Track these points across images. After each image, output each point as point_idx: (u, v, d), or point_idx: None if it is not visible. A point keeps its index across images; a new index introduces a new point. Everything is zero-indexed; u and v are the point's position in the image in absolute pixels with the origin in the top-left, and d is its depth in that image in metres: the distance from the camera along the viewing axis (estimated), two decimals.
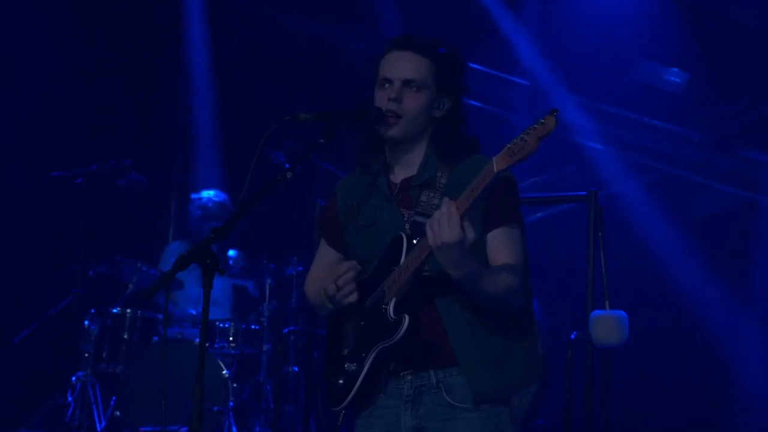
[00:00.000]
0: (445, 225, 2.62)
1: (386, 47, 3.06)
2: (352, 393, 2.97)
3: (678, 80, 7.40)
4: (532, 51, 7.71)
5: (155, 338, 6.38)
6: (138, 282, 6.47)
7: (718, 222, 7.33)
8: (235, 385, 6.20)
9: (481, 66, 7.96)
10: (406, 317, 2.80)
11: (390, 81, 2.99)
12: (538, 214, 7.76)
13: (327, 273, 3.02)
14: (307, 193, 6.53)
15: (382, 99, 2.99)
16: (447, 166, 2.96)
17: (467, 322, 2.87)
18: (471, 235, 2.64)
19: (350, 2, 8.09)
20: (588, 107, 7.62)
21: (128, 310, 6.40)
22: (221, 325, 6.44)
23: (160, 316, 6.49)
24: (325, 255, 3.24)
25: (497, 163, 2.63)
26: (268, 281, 6.62)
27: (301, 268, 6.73)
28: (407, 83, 2.97)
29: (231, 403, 6.15)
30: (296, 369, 6.62)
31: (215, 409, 6.03)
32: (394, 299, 2.84)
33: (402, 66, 2.99)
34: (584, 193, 4.60)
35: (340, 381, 3.03)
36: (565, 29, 7.49)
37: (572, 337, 4.63)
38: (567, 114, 7.57)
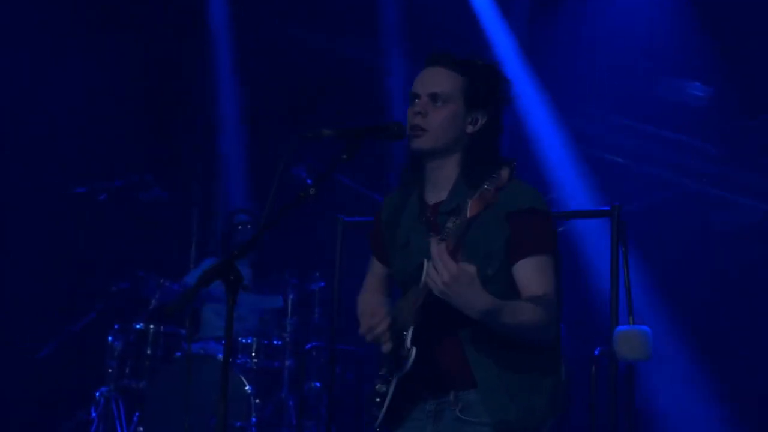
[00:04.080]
0: (440, 268, 2.61)
1: (423, 65, 3.07)
2: (383, 413, 2.97)
3: (701, 94, 7.37)
4: (553, 64, 7.71)
5: (178, 354, 6.39)
6: (160, 297, 6.49)
7: (739, 236, 7.28)
8: (257, 400, 6.19)
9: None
10: (414, 350, 2.80)
11: (417, 96, 3.00)
12: (560, 229, 7.73)
13: (369, 310, 2.98)
14: (329, 209, 6.54)
15: (409, 114, 3.01)
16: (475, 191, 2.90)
17: (489, 350, 2.84)
18: (470, 269, 2.62)
19: (373, 19, 8.12)
20: (609, 121, 7.61)
21: (151, 326, 6.42)
22: (243, 340, 6.44)
23: (184, 332, 6.50)
24: (374, 267, 3.29)
25: (470, 209, 2.65)
26: (291, 296, 6.62)
27: (323, 284, 6.73)
28: (433, 97, 2.97)
29: (253, 419, 6.15)
30: (318, 385, 6.60)
31: (238, 424, 6.02)
32: (411, 327, 2.83)
33: (428, 80, 3.00)
34: (607, 207, 4.59)
35: (377, 399, 3.02)
36: (587, 43, 7.48)
37: (596, 352, 4.62)
38: (588, 128, 7.56)
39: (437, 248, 2.63)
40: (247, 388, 6.15)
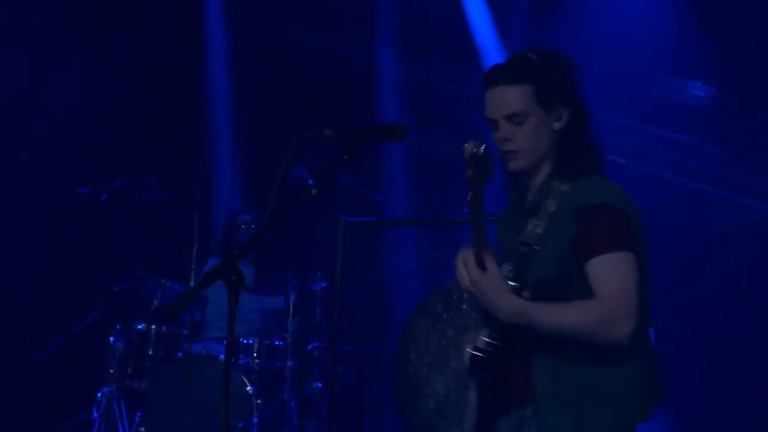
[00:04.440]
0: (463, 274, 2.66)
1: (483, 84, 2.98)
2: (472, 418, 2.96)
3: (702, 94, 7.37)
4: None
5: (180, 354, 6.40)
6: (162, 298, 6.49)
7: (740, 236, 7.29)
8: (259, 401, 6.20)
9: None
10: (469, 354, 2.80)
11: (494, 121, 2.93)
12: None
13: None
14: (330, 209, 6.55)
15: (495, 140, 2.93)
16: (560, 189, 2.84)
17: (552, 359, 2.76)
18: (494, 274, 2.64)
19: (370, 18, 8.14)
20: (609, 121, 7.61)
21: (153, 326, 6.42)
22: (245, 340, 6.45)
23: (185, 332, 6.51)
24: None
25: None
26: (292, 297, 6.62)
27: (324, 284, 6.74)
28: (510, 118, 2.89)
29: (255, 419, 6.15)
30: (320, 385, 6.61)
31: (239, 425, 6.03)
32: (487, 332, 2.79)
33: (498, 103, 2.91)
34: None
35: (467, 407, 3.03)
36: (587, 44, 7.48)
37: None
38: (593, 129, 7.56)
39: (462, 254, 2.67)
40: (248, 388, 6.16)
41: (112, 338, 6.34)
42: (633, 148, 7.58)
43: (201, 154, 8.57)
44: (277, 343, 6.55)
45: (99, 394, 6.27)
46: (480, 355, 2.79)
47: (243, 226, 6.95)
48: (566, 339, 2.70)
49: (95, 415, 6.21)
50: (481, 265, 2.71)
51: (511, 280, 2.76)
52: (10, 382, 7.11)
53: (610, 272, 2.69)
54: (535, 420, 2.77)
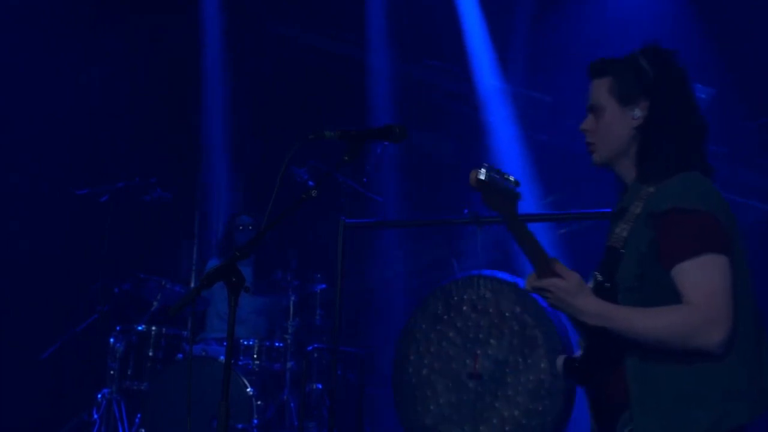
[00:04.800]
0: (537, 291, 2.72)
1: None
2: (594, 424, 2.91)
3: (703, 96, 7.36)
4: (554, 66, 7.72)
5: (180, 356, 6.39)
6: (162, 299, 6.49)
7: (741, 236, 7.27)
8: (259, 402, 6.19)
9: (503, 82, 7.98)
10: (562, 359, 2.83)
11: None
12: (563, 230, 7.74)
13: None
14: (331, 210, 6.54)
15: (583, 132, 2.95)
16: (647, 190, 2.79)
17: (645, 359, 2.69)
18: (570, 280, 2.65)
19: (362, 17, 8.15)
20: None
21: (153, 328, 6.42)
22: (245, 342, 6.44)
23: (185, 333, 6.51)
24: None
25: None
26: (292, 298, 6.62)
27: (324, 286, 6.74)
28: (590, 110, 2.91)
29: (255, 421, 6.15)
30: (320, 386, 6.61)
31: (239, 426, 6.02)
32: (580, 338, 2.82)
33: (589, 94, 2.94)
34: (609, 210, 4.58)
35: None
36: (588, 44, 7.49)
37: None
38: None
39: (529, 281, 2.73)
40: (248, 389, 6.15)
41: (112, 339, 6.33)
42: None
43: (201, 154, 8.58)
44: (277, 344, 6.55)
45: (99, 395, 6.27)
46: (572, 359, 2.80)
47: (241, 228, 6.96)
48: (650, 345, 2.63)
49: (95, 416, 6.21)
50: (553, 274, 2.70)
51: (599, 284, 2.76)
52: (11, 383, 7.10)
53: (697, 277, 2.60)
54: (629, 426, 2.70)
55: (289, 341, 6.53)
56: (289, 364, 6.50)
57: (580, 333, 2.82)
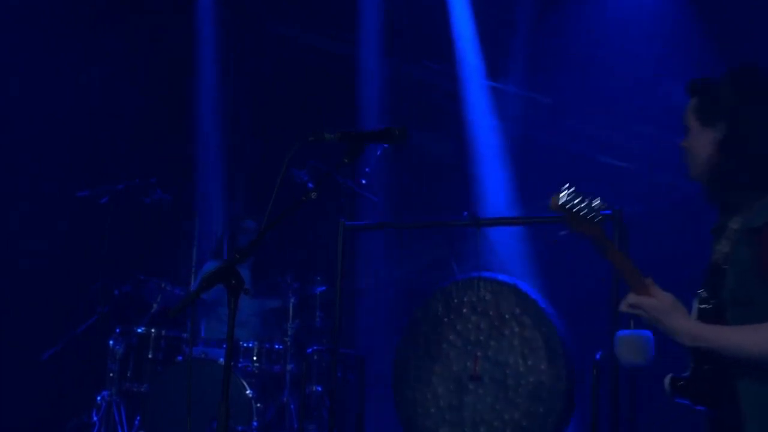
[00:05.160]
0: (635, 310, 2.77)
1: None
2: None
3: None
4: (554, 69, 7.72)
5: (180, 357, 6.38)
6: (162, 301, 6.48)
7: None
8: (258, 404, 6.19)
9: (503, 84, 7.98)
10: (669, 378, 2.86)
11: None
12: (562, 233, 7.73)
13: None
14: (331, 212, 6.53)
15: None
16: (735, 208, 2.83)
17: (754, 381, 2.68)
18: (664, 301, 2.70)
19: (363, 19, 8.16)
20: (613, 126, 7.61)
21: (153, 330, 6.41)
22: (245, 344, 6.44)
23: (185, 335, 6.50)
24: None
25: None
26: (292, 300, 6.61)
27: (324, 288, 6.72)
28: (687, 128, 2.97)
29: (255, 423, 6.14)
30: (320, 388, 6.60)
31: (239, 428, 6.01)
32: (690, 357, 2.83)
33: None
34: (608, 212, 4.59)
35: None
36: (590, 48, 7.49)
37: (597, 356, 4.62)
38: (594, 132, 7.56)
39: (628, 300, 2.77)
40: (248, 392, 6.15)
41: (111, 341, 6.32)
42: (635, 152, 7.57)
43: (200, 156, 8.57)
44: (277, 346, 6.54)
45: (99, 398, 6.26)
46: (678, 378, 2.83)
47: (245, 232, 6.96)
48: (752, 362, 2.63)
49: (95, 418, 6.20)
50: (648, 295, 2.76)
51: (704, 302, 2.79)
52: (12, 384, 7.10)
53: None
54: None
55: (288, 343, 6.52)
56: (288, 366, 6.49)
57: (685, 351, 2.84)
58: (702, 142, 2.89)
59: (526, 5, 7.91)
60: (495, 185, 7.75)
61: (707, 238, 7.18)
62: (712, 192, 2.91)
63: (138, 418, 6.23)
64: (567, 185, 2.72)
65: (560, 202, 2.71)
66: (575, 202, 2.71)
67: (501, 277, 5.10)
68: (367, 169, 6.60)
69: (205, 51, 8.45)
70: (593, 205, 2.76)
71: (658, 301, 2.73)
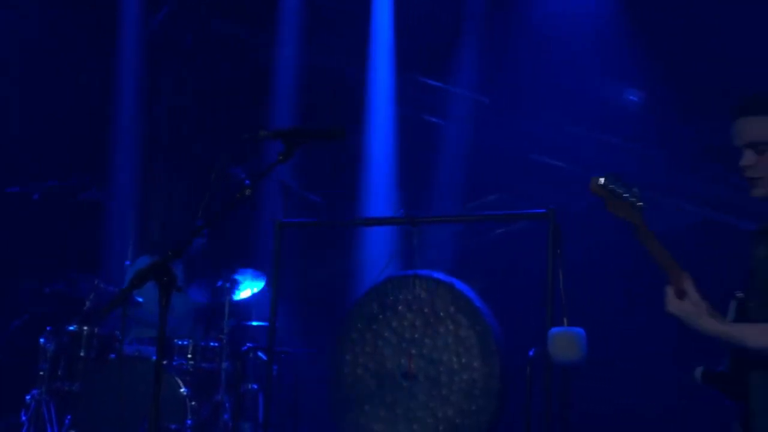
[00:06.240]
0: (670, 300, 2.90)
1: (731, 116, 3.10)
2: None
3: (636, 99, 7.48)
4: (493, 69, 7.78)
5: (112, 356, 6.30)
6: (95, 299, 6.39)
7: (677, 238, 7.39)
8: (193, 402, 6.14)
9: (442, 84, 8.03)
10: (701, 369, 2.99)
11: (739, 148, 3.03)
12: (499, 231, 7.80)
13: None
14: (268, 210, 6.51)
15: (741, 167, 3.04)
16: None
17: (765, 384, 2.88)
18: (693, 302, 2.83)
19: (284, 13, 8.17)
20: (549, 125, 7.69)
21: (85, 328, 6.31)
22: (179, 342, 6.37)
23: (118, 334, 6.41)
24: None
25: None
26: (228, 298, 6.57)
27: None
28: (752, 146, 2.99)
29: (189, 421, 6.08)
30: (255, 386, 6.57)
31: (173, 427, 5.95)
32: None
33: (741, 133, 3.02)
34: (543, 210, 4.64)
35: None
36: (525, 48, 7.56)
37: (531, 353, 4.67)
38: (528, 131, 7.64)
39: (667, 291, 2.89)
40: (182, 390, 6.08)
41: (42, 340, 6.22)
42: (571, 151, 7.67)
43: (140, 154, 8.48)
44: (212, 344, 6.49)
45: (28, 397, 6.15)
46: (711, 370, 2.97)
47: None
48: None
49: (24, 418, 6.09)
50: (680, 293, 2.89)
51: (741, 302, 2.96)
52: None
53: None
54: None
55: (224, 341, 6.48)
56: (224, 364, 6.44)
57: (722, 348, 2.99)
58: None
59: (470, 6, 7.97)
60: (428, 183, 7.79)
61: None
62: None
63: (68, 417, 6.13)
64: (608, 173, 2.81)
65: (600, 183, 2.77)
66: (616, 184, 2.78)
67: (437, 275, 5.12)
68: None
69: (135, 47, 8.36)
70: (633, 189, 2.85)
71: (687, 305, 2.87)
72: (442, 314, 4.99)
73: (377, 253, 7.49)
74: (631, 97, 7.51)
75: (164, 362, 6.17)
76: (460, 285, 5.06)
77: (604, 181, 2.79)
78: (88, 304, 6.34)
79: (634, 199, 2.92)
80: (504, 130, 7.76)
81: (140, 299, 6.25)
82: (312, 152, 6.75)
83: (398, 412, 4.97)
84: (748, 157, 2.99)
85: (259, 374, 6.55)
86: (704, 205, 7.43)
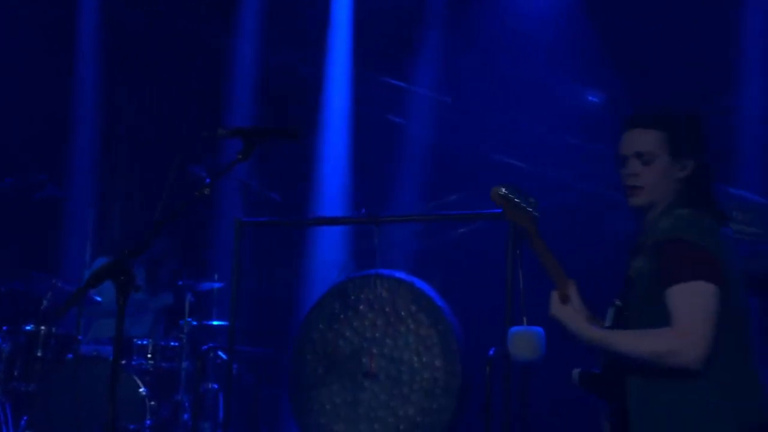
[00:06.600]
0: (554, 303, 3.11)
1: (621, 127, 3.25)
2: None
3: (596, 100, 7.54)
4: (455, 69, 7.80)
5: (70, 356, 6.23)
6: (53, 298, 6.32)
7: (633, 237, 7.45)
8: (152, 402, 6.09)
9: (404, 83, 8.03)
10: (578, 372, 3.12)
11: (625, 157, 3.17)
12: (461, 230, 7.83)
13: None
14: (228, 209, 6.48)
15: (622, 175, 3.18)
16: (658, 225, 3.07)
17: (642, 377, 2.99)
18: (553, 309, 3.06)
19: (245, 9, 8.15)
20: (511, 126, 7.72)
21: (42, 327, 6.23)
22: (139, 341, 6.32)
23: (76, 333, 6.34)
24: None
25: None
26: (188, 297, 6.53)
27: (221, 284, 6.67)
28: (639, 156, 3.13)
29: (148, 422, 6.04)
30: (215, 386, 6.54)
31: (132, 427, 5.91)
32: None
33: (631, 142, 3.17)
34: (502, 210, 4.65)
35: None
36: (487, 48, 7.58)
37: (491, 352, 4.69)
38: (490, 131, 7.67)
39: (552, 294, 3.09)
40: (141, 389, 6.03)
41: None
42: (532, 151, 7.70)
43: (98, 152, 8.41)
44: (172, 343, 6.46)
45: None
46: (588, 372, 3.10)
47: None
48: (640, 363, 2.95)
49: None
50: (564, 298, 3.09)
51: (618, 311, 3.11)
52: None
53: (682, 301, 2.89)
54: None
55: (184, 340, 6.44)
56: (183, 364, 6.41)
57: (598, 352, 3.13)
58: (671, 174, 3.12)
59: (432, 6, 7.98)
60: (390, 183, 7.80)
61: (599, 237, 7.38)
62: (654, 216, 3.13)
63: (25, 418, 6.06)
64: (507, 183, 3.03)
65: (501, 192, 2.97)
66: (515, 194, 2.97)
67: (398, 274, 5.13)
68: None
69: (83, 41, 8.29)
70: (530, 200, 3.05)
71: (568, 310, 3.08)
72: (403, 313, 5.00)
73: (338, 252, 7.49)
74: (591, 98, 7.57)
75: (123, 362, 6.13)
76: (421, 284, 5.07)
77: (505, 190, 2.98)
78: (45, 303, 6.27)
79: (531, 209, 3.10)
80: (466, 130, 7.79)
81: (99, 299, 6.20)
82: (270, 151, 6.75)
83: (360, 411, 4.98)
84: (634, 166, 3.12)
85: (219, 374, 6.53)
86: None
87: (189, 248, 7.53)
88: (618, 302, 3.13)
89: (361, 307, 5.09)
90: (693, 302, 2.87)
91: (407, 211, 7.35)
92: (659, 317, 2.91)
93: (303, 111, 7.76)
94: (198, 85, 8.17)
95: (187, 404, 6.37)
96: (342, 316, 5.11)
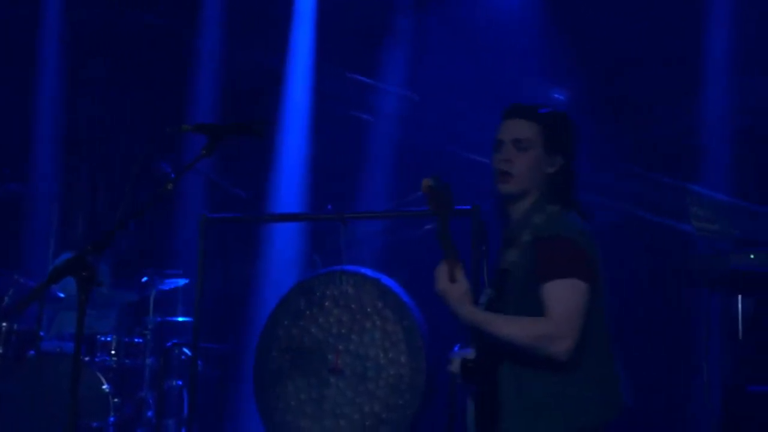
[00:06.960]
0: (436, 277, 3.13)
1: (501, 116, 3.37)
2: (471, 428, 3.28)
3: (561, 97, 7.58)
4: (422, 66, 7.81)
5: (31, 353, 6.16)
6: (15, 294, 6.25)
7: (600, 236, 7.51)
8: (116, 399, 6.05)
9: (370, 79, 8.03)
10: (459, 362, 3.18)
11: (502, 142, 3.29)
12: (427, 227, 7.83)
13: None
14: (193, 205, 6.45)
15: (495, 160, 3.29)
16: (534, 222, 3.20)
17: (514, 364, 3.09)
18: (461, 287, 3.08)
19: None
20: (477, 123, 7.74)
21: (3, 324, 6.17)
22: (102, 338, 6.28)
23: (38, 330, 6.28)
24: None
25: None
26: (153, 293, 6.49)
27: (186, 281, 6.63)
28: (516, 143, 3.25)
29: (111, 419, 6.00)
30: (180, 383, 6.51)
31: (94, 424, 5.87)
32: (475, 343, 3.17)
33: (510, 129, 3.29)
34: (468, 207, 4.67)
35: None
36: (454, 45, 7.60)
37: (455, 349, 4.70)
38: (456, 128, 7.68)
39: (439, 266, 3.13)
40: (104, 386, 6.00)
41: None
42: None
43: (63, 146, 8.34)
44: (136, 340, 6.42)
45: None
46: (467, 360, 3.15)
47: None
48: (513, 349, 3.05)
49: None
50: (452, 278, 3.11)
51: (491, 299, 3.21)
52: None
53: (559, 295, 3.03)
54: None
55: (148, 337, 6.40)
56: (148, 360, 6.37)
57: (470, 336, 3.19)
58: (542, 167, 3.25)
59: (399, 1, 7.99)
60: (356, 179, 7.80)
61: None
62: (524, 209, 3.25)
63: None
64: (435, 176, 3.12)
65: (430, 184, 3.07)
66: (441, 188, 3.08)
67: (364, 270, 5.13)
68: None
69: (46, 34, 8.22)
70: (450, 193, 3.15)
71: (456, 290, 3.10)
72: (369, 310, 5.00)
73: (302, 249, 7.48)
74: (557, 96, 7.61)
75: (87, 358, 6.08)
76: (386, 280, 5.07)
77: (433, 182, 3.08)
78: (6, 299, 6.21)
79: (450, 201, 3.18)
80: (432, 127, 7.80)
81: (61, 294, 6.15)
82: (234, 147, 6.72)
83: (325, 407, 4.97)
84: (509, 151, 3.24)
85: (183, 370, 6.50)
86: (623, 201, 7.56)
87: (154, 244, 7.49)
88: (490, 291, 3.24)
89: (327, 303, 5.08)
90: (567, 297, 3.02)
91: (373, 208, 7.36)
92: (532, 310, 3.03)
93: (268, 106, 7.74)
94: (161, 80, 8.12)
95: (151, 401, 6.33)
96: (307, 312, 5.10)
